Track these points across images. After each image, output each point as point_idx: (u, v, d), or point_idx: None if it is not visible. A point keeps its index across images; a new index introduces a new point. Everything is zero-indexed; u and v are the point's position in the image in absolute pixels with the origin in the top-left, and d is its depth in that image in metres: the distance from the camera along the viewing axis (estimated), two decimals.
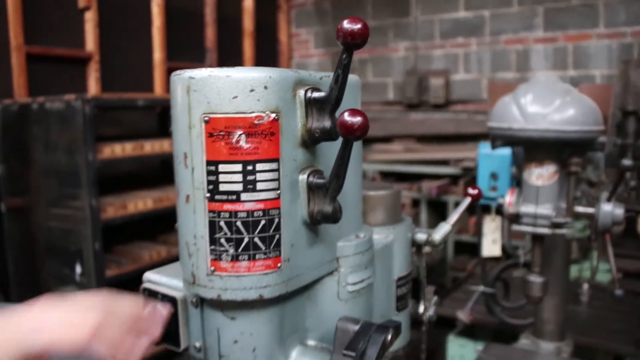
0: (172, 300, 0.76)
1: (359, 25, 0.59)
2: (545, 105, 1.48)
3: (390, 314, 0.93)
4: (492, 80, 4.06)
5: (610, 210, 1.55)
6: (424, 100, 4.57)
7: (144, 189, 3.42)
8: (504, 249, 2.26)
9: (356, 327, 0.73)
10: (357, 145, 0.81)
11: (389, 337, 0.70)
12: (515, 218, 1.60)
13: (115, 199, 3.09)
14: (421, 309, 1.06)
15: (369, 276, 0.82)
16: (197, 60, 4.58)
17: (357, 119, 0.59)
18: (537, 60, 4.23)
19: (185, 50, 4.46)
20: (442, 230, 1.02)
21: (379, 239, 0.91)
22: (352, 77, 0.73)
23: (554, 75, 1.92)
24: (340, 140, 0.65)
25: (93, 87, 3.77)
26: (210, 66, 4.05)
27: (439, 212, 3.97)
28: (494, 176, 1.97)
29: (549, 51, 4.19)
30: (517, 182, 1.70)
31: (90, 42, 3.72)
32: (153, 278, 0.79)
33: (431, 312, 1.07)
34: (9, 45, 3.33)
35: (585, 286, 2.50)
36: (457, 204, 3.90)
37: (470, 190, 1.07)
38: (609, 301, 2.51)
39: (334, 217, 0.68)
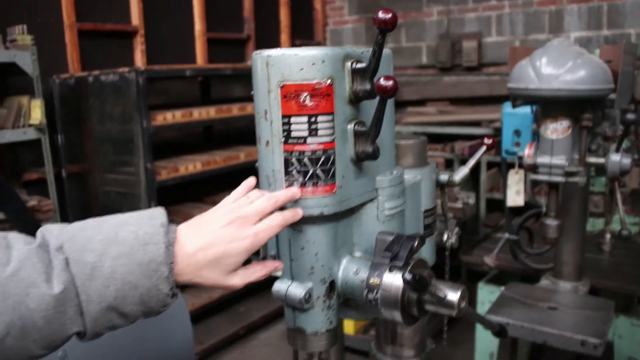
0: None
1: (389, 15, 0.86)
2: (558, 67, 1.71)
3: None
4: (511, 45, 4.23)
5: (618, 160, 1.79)
6: (457, 64, 4.76)
7: (190, 154, 3.73)
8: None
9: (391, 238, 1.00)
10: (390, 103, 1.08)
11: (416, 243, 0.98)
12: (533, 168, 1.85)
13: (167, 163, 3.42)
14: (445, 236, 1.33)
15: (401, 204, 1.10)
16: (235, 30, 4.85)
17: (390, 83, 0.86)
18: (571, 21, 4.36)
19: (224, 21, 4.73)
20: (461, 172, 1.28)
21: (409, 178, 1.18)
22: (385, 51, 0.99)
23: (569, 39, 2.13)
24: (377, 98, 0.92)
25: (139, 59, 4.07)
26: (248, 35, 4.30)
27: (472, 171, 4.20)
28: (517, 133, 2.20)
29: (582, 11, 4.31)
30: (537, 138, 1.94)
31: (135, 16, 4.01)
32: None
33: (453, 239, 1.34)
34: (63, 23, 3.64)
35: (608, 236, 2.73)
36: (489, 164, 4.13)
37: (486, 140, 1.33)
38: (632, 250, 2.73)
39: (374, 155, 0.96)
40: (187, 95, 4.38)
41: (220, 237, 0.86)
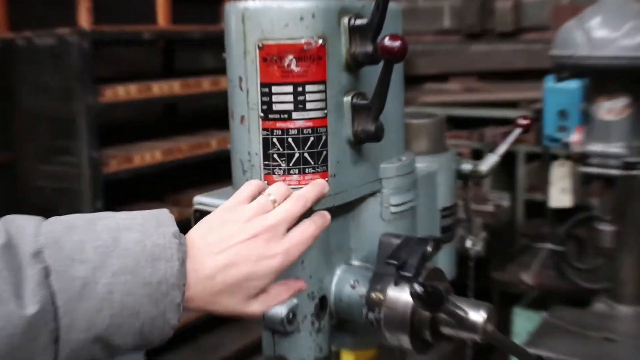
0: None
1: None
2: (614, 29, 1.72)
3: None
4: (555, 4, 4.23)
5: None
6: (487, 29, 4.77)
7: (148, 139, 3.73)
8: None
9: (398, 241, 1.01)
10: (398, 71, 1.09)
11: (430, 248, 0.99)
12: (583, 159, 1.86)
13: (117, 151, 3.41)
14: (468, 243, 1.34)
15: (412, 199, 1.11)
16: None
17: (397, 43, 0.87)
18: None
19: None
20: (489, 160, 1.30)
21: (423, 167, 1.19)
22: (392, 5, 0.99)
23: None
24: (381, 64, 0.93)
25: (83, 18, 4.04)
26: None
27: (506, 165, 4.21)
28: (562, 114, 2.19)
29: None
30: (588, 120, 1.95)
31: None
32: (204, 200, 1.09)
33: (478, 247, 1.35)
34: None
35: None
36: (528, 156, 4.14)
37: (521, 120, 1.34)
38: None
39: (377, 135, 0.97)
40: (145, 65, 4.38)
41: (245, 255, 0.85)
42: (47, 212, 0.88)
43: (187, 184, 3.97)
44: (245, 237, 0.85)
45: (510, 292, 3.37)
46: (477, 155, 4.22)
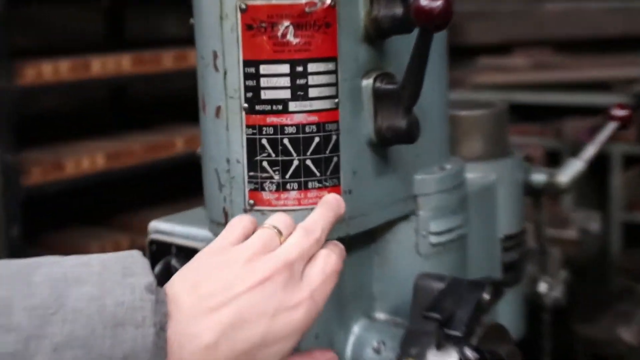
0: (192, 253, 1.05)
1: None
2: None
3: None
4: None
5: None
6: None
7: (87, 138, 3.75)
8: None
9: (441, 285, 1.00)
10: (440, 43, 1.08)
11: (486, 295, 0.98)
12: None
13: (42, 154, 3.43)
14: (542, 287, 1.34)
15: (460, 224, 1.10)
16: None
17: (437, 3, 0.86)
18: None
19: None
20: (572, 168, 1.30)
21: (475, 179, 1.19)
22: None
23: None
24: (415, 32, 0.92)
25: None
26: None
27: (594, 173, 4.20)
28: None
29: None
30: None
31: None
32: (163, 227, 1.09)
33: (557, 292, 1.35)
34: None
35: None
36: (627, 159, 4.14)
37: (617, 111, 1.34)
38: None
39: (410, 134, 0.96)
40: (81, 32, 4.40)
41: (256, 308, 0.82)
42: None
43: (141, 201, 3.99)
44: (252, 283, 0.82)
45: (604, 354, 3.36)
46: (553, 158, 4.21)
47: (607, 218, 4.12)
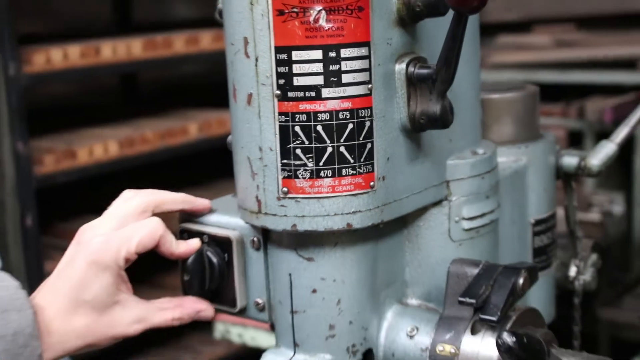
0: (224, 242, 1.08)
1: None
2: None
3: None
4: None
5: None
6: None
7: (99, 125, 3.77)
8: None
9: (475, 271, 1.03)
10: (472, 26, 1.10)
11: (521, 280, 1.00)
12: None
13: (54, 142, 3.45)
14: (572, 271, 1.35)
15: (493, 209, 1.12)
16: None
17: None
18: None
19: None
20: (604, 151, 1.31)
21: (506, 163, 1.21)
22: None
23: None
24: (450, 15, 0.94)
25: None
26: None
27: (620, 156, 4.20)
28: None
29: None
30: None
31: None
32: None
33: (587, 276, 1.36)
34: None
35: None
36: None
37: None
38: None
39: (444, 119, 0.98)
40: (90, 17, 4.41)
41: None
42: None
43: (155, 188, 3.96)
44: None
45: (628, 337, 3.37)
46: (575, 139, 4.21)
47: (631, 200, 4.13)
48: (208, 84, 4.43)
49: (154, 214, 1.11)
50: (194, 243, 1.10)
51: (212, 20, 1.20)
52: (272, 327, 1.12)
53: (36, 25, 4.08)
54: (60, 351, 1.04)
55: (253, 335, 2.88)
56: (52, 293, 1.06)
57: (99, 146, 3.43)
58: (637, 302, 2.77)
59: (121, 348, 3.67)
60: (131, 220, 1.09)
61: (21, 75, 3.17)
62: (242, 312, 1.11)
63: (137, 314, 1.08)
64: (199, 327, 3.87)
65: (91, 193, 3.92)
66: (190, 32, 3.85)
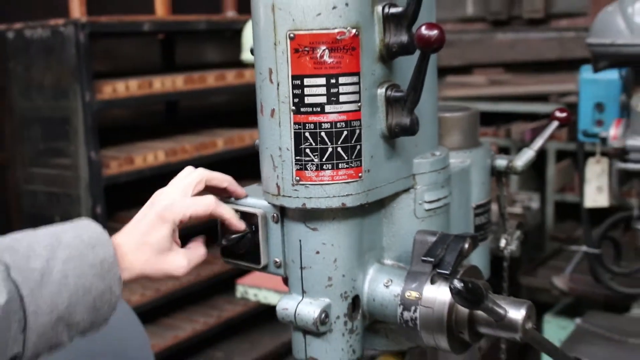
0: (252, 217, 1.12)
1: None
2: None
3: None
4: None
5: None
6: (515, 15, 4.79)
7: (149, 139, 3.80)
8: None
9: (434, 238, 1.06)
10: (432, 62, 1.14)
11: (467, 245, 1.04)
12: (621, 154, 1.91)
13: (118, 152, 3.48)
14: (502, 242, 1.39)
15: (446, 196, 1.16)
16: None
17: (434, 32, 0.92)
18: None
19: None
20: (525, 156, 1.35)
21: (456, 163, 1.25)
22: None
23: None
24: (416, 54, 0.98)
25: (76, 8, 4.09)
26: None
27: (535, 164, 4.24)
28: (599, 107, 2.23)
29: None
30: (627, 113, 2.00)
31: None
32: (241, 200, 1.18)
33: (513, 246, 1.40)
34: None
35: None
36: (560, 154, 4.18)
37: (558, 113, 1.39)
38: None
39: (412, 129, 1.02)
40: (143, 59, 4.43)
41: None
42: (40, 218, 1.04)
43: None
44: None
45: (541, 300, 3.41)
46: (504, 153, 4.26)
47: (544, 198, 4.17)
48: (232, 110, 4.49)
49: (206, 187, 1.19)
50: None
51: (236, 62, 1.25)
52: (285, 281, 1.15)
53: (106, 64, 4.11)
54: (128, 276, 1.11)
55: (265, 295, 2.90)
56: (127, 235, 1.13)
57: (151, 155, 3.46)
58: (548, 273, 2.80)
59: (167, 305, 3.73)
60: (190, 188, 1.18)
61: (94, 102, 3.20)
62: (265, 269, 1.15)
63: (182, 260, 1.15)
64: (224, 290, 3.94)
65: (145, 190, 3.93)
66: (219, 71, 3.88)
